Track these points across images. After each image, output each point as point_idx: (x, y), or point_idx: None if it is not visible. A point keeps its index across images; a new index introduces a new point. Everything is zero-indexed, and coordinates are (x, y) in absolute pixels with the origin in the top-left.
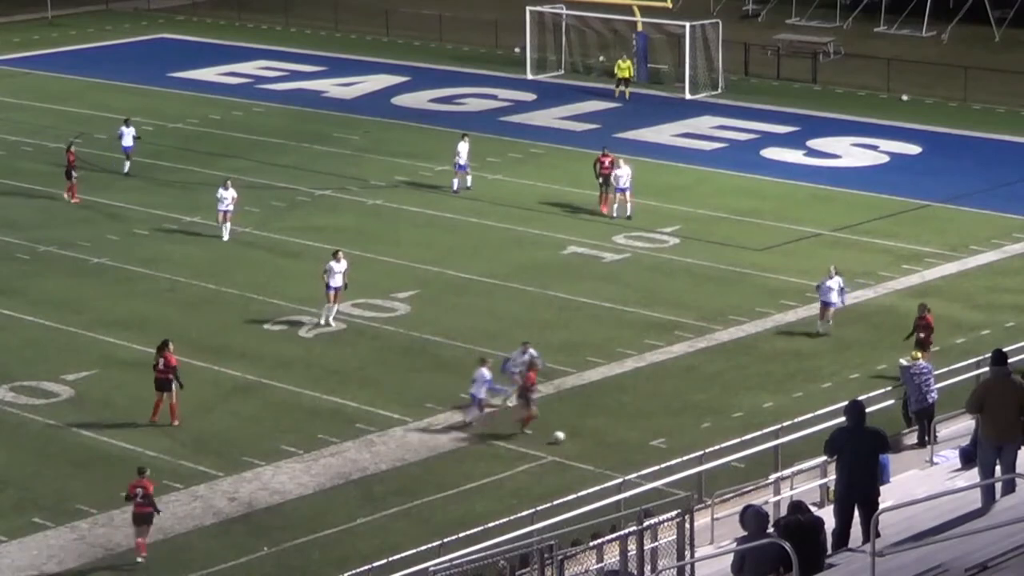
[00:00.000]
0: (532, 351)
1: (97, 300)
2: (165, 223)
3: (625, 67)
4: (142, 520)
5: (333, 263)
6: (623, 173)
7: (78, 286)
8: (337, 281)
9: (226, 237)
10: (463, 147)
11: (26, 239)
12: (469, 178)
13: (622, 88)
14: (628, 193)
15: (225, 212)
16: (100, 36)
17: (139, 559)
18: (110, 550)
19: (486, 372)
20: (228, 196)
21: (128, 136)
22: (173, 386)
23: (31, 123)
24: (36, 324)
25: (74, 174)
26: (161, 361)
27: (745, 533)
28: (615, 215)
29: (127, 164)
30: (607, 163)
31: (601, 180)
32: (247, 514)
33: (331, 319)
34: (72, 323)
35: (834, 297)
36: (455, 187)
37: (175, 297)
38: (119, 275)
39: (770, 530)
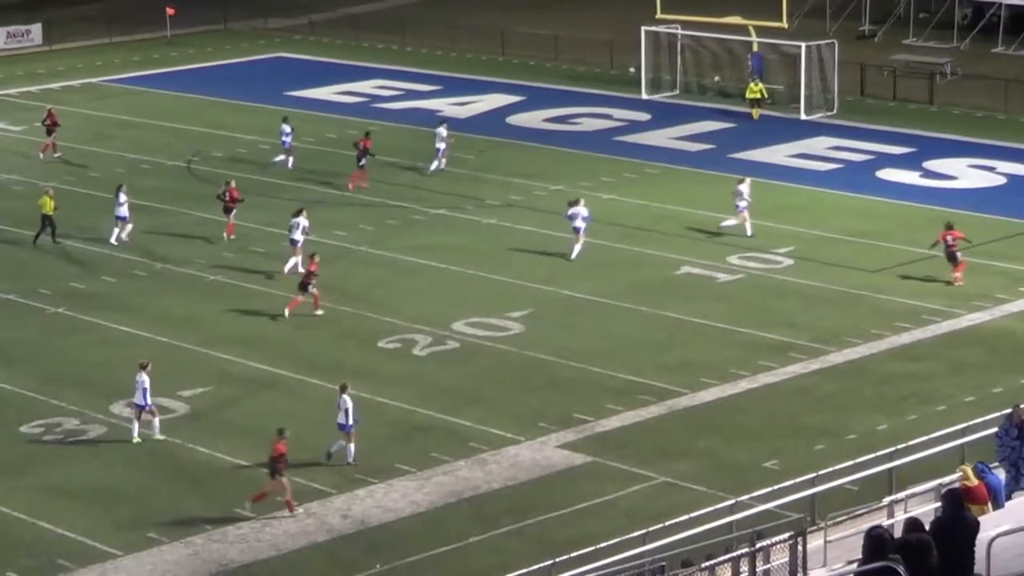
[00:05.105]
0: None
1: (212, 317)
2: (282, 240)
3: (757, 89)
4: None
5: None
6: (744, 190)
7: (192, 303)
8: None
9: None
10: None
11: (143, 256)
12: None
13: (756, 109)
14: (746, 212)
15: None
16: (218, 55)
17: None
18: (224, 565)
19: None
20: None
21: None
22: None
23: (149, 141)
24: (153, 341)
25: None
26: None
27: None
28: (748, 232)
29: (290, 160)
30: (366, 143)
31: (363, 162)
32: (360, 531)
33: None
34: (188, 340)
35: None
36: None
37: (290, 315)
38: (235, 292)
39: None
